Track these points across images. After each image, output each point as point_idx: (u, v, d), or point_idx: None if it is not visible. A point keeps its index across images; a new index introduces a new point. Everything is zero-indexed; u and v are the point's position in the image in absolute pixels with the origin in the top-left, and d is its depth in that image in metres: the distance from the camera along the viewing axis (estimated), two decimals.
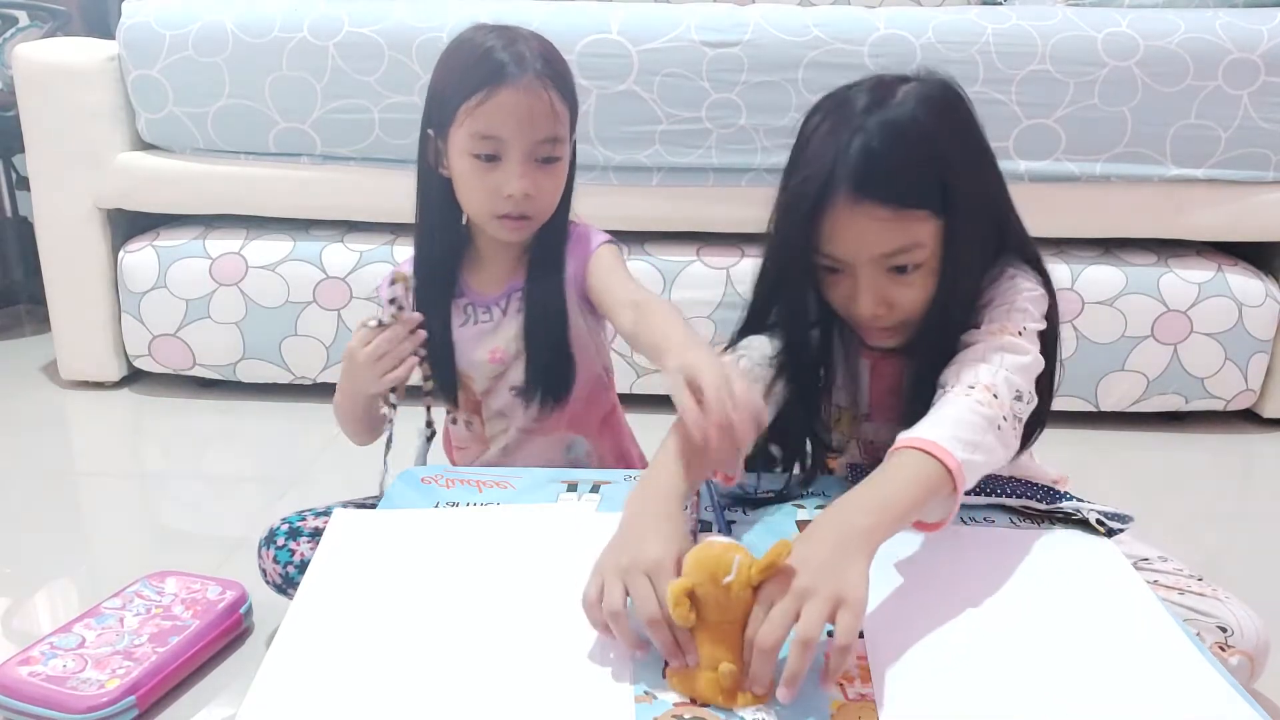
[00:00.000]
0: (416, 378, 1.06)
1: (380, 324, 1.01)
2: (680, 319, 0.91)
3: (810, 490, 0.95)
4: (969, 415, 0.78)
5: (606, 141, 1.72)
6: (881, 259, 0.83)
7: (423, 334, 1.03)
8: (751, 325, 0.96)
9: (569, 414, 1.10)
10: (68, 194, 1.86)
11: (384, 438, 1.05)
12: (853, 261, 0.84)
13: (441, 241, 1.08)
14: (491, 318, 1.08)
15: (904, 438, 0.77)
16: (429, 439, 1.12)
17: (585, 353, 1.09)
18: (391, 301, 1.01)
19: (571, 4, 1.78)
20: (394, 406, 1.03)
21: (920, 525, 0.78)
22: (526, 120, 0.97)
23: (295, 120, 1.78)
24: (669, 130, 1.73)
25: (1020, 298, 0.87)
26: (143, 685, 0.98)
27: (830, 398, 0.98)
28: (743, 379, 0.82)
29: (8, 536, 1.40)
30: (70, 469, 1.68)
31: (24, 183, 2.26)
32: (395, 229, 1.87)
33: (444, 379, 1.09)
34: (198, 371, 1.91)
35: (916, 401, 0.85)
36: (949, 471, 0.74)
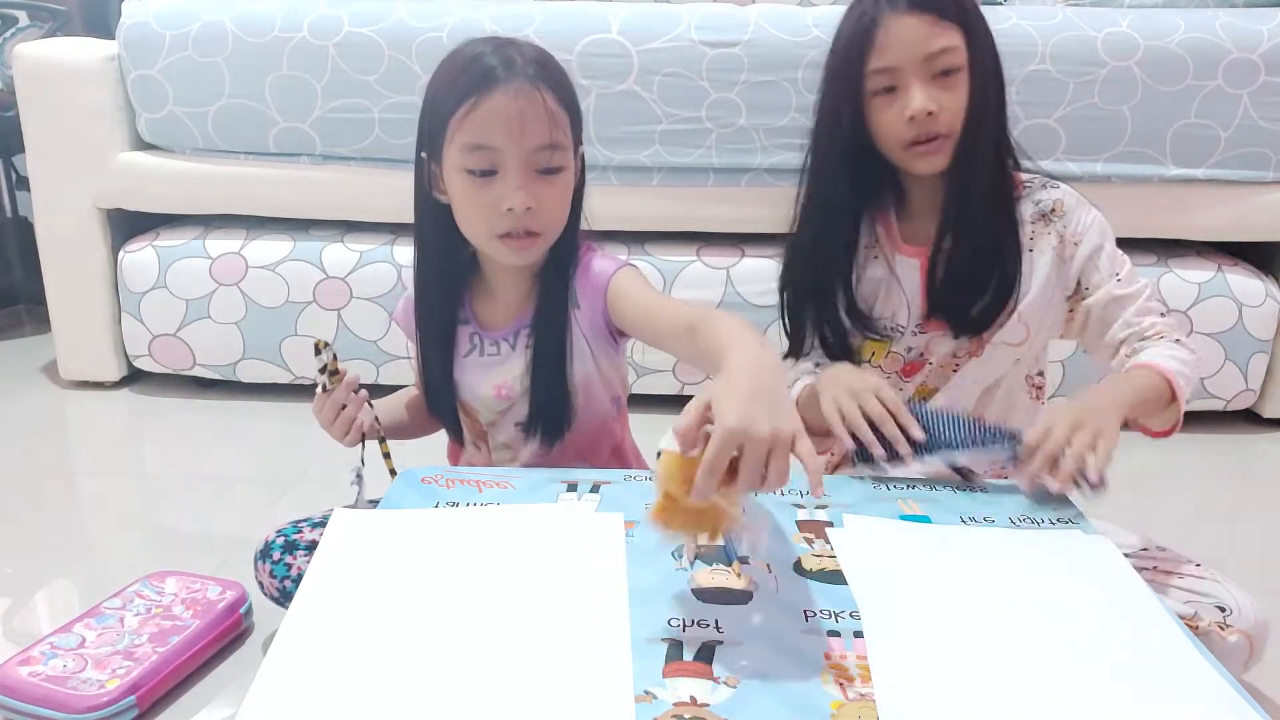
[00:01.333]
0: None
1: (324, 389, 0.99)
2: (737, 322, 0.81)
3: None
4: (1163, 347, 1.02)
5: (606, 141, 1.72)
6: (928, 60, 0.99)
7: (364, 393, 1.01)
8: (816, 201, 1.09)
9: (575, 447, 1.07)
10: (68, 194, 1.86)
11: (355, 489, 1.01)
12: (904, 66, 0.99)
13: (441, 271, 1.02)
14: (499, 351, 1.05)
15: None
16: (357, 482, 1.02)
17: (594, 390, 1.05)
18: (322, 370, 0.99)
19: (571, 4, 1.79)
20: (362, 460, 1.01)
21: (1151, 432, 1.04)
22: (519, 125, 0.90)
23: (295, 120, 1.78)
24: (669, 130, 1.73)
25: (1110, 243, 1.08)
26: (143, 685, 0.98)
27: (861, 315, 1.08)
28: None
29: (8, 536, 1.40)
30: (70, 469, 1.68)
31: (24, 183, 2.26)
32: (395, 229, 1.88)
33: (445, 413, 1.07)
34: (198, 371, 1.92)
35: (960, 228, 1.03)
36: (1167, 380, 0.98)
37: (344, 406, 1.00)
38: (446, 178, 0.96)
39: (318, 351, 0.99)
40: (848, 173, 1.06)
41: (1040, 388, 1.13)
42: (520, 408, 1.05)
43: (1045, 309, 1.07)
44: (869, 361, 1.11)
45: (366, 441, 1.02)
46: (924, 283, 1.07)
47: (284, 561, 1.05)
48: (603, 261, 1.02)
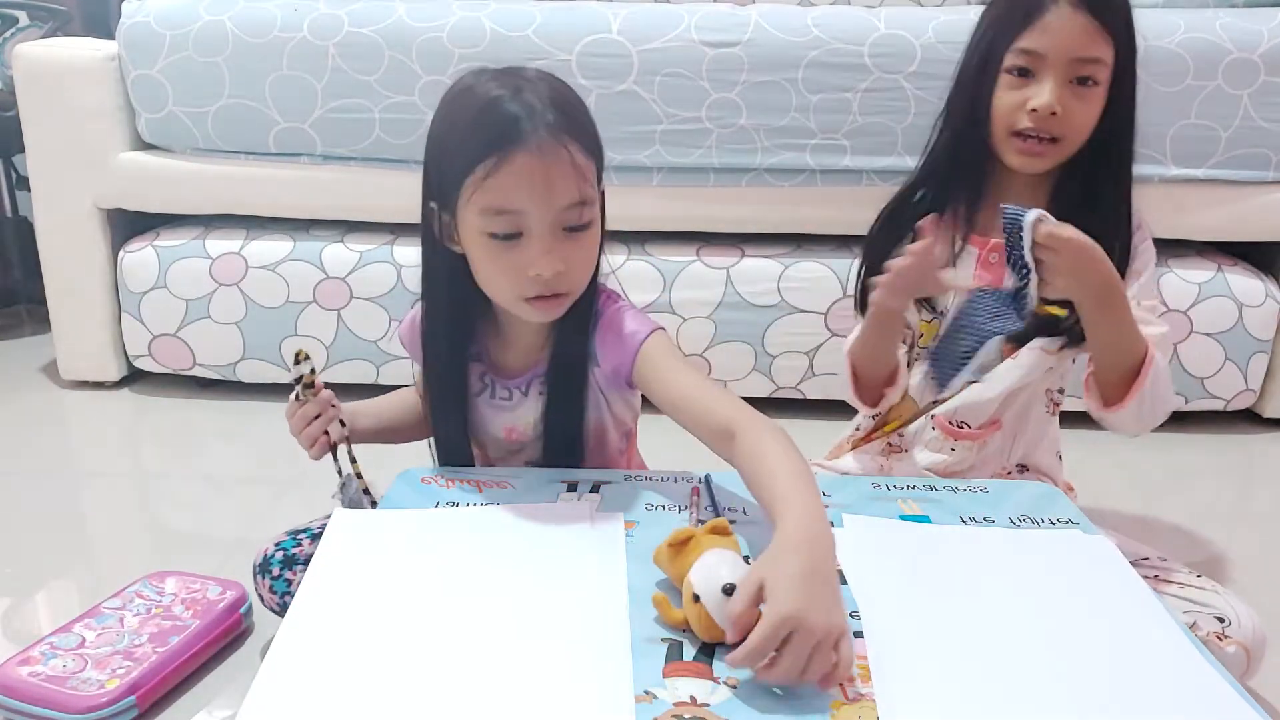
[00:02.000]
0: None
1: (298, 398, 0.99)
2: (788, 461, 0.78)
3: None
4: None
5: (606, 141, 1.69)
6: (1075, 63, 0.98)
7: (337, 409, 1.01)
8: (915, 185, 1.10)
9: None
10: (68, 194, 1.86)
11: (337, 497, 0.99)
12: (1051, 57, 0.98)
13: (453, 320, 0.97)
14: (510, 397, 1.00)
15: None
16: (347, 487, 0.99)
17: (606, 433, 1.02)
18: (298, 380, 0.98)
19: (571, 4, 1.78)
20: (340, 471, 1.00)
21: (1090, 396, 1.02)
22: (544, 187, 0.82)
23: (295, 120, 1.78)
24: (669, 130, 1.73)
25: (1149, 273, 1.06)
26: (143, 685, 0.98)
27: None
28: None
29: (8, 536, 1.40)
30: (70, 469, 1.68)
31: (24, 183, 2.26)
32: (395, 229, 1.88)
33: (456, 454, 1.02)
34: (198, 371, 1.92)
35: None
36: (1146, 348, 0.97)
37: (316, 418, 0.99)
38: (463, 235, 0.89)
39: (297, 360, 0.98)
40: (966, 144, 1.06)
41: (1058, 404, 1.13)
42: (530, 450, 1.03)
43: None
44: (919, 343, 1.13)
45: (338, 451, 1.01)
46: (978, 273, 1.08)
47: (284, 577, 1.04)
48: (634, 323, 0.95)
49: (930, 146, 1.10)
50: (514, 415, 1.01)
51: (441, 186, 0.88)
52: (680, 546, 0.74)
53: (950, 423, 1.10)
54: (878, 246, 1.11)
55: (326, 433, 1.00)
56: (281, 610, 1.05)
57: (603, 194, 0.92)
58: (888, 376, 1.10)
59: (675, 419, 0.91)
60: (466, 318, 0.96)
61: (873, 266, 1.11)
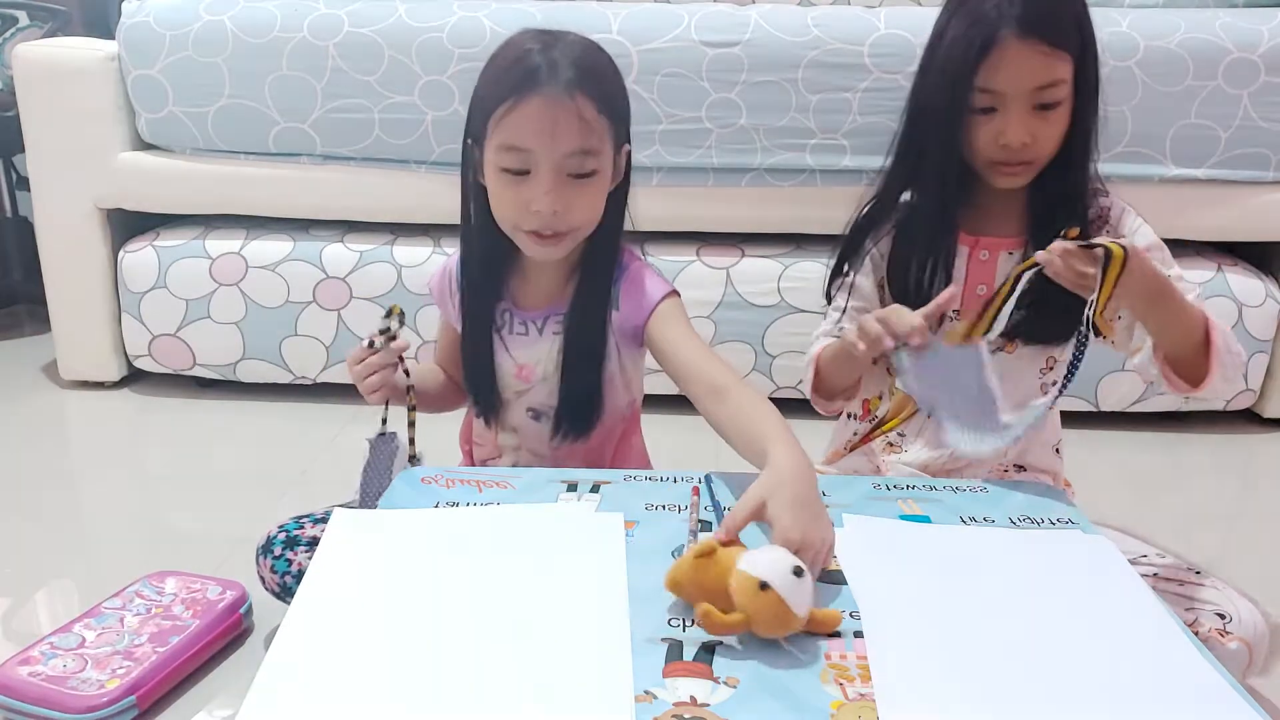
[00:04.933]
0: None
1: (371, 345, 1.01)
2: (774, 413, 0.90)
3: None
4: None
5: None
6: (1035, 92, 0.97)
7: (406, 363, 1.03)
8: (892, 188, 1.09)
9: (585, 449, 1.09)
10: (68, 194, 1.86)
11: (369, 440, 1.03)
12: (1010, 94, 0.97)
13: (483, 250, 1.04)
14: (526, 332, 1.06)
15: None
16: (383, 441, 1.03)
17: (614, 389, 1.07)
18: (384, 332, 1.00)
19: (571, 4, 1.79)
20: (383, 421, 1.02)
21: (1176, 377, 0.99)
22: (551, 131, 0.92)
23: (295, 120, 1.78)
24: (669, 130, 1.73)
25: (1164, 250, 1.09)
26: (143, 685, 0.98)
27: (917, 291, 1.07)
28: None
29: (8, 536, 1.40)
30: (70, 469, 1.68)
31: (24, 183, 2.26)
32: (395, 229, 1.88)
33: (482, 380, 1.08)
34: (198, 371, 1.92)
35: (1036, 232, 1.00)
36: (1204, 322, 0.96)
37: (379, 372, 1.02)
38: (486, 169, 0.98)
39: (389, 314, 1.01)
40: (938, 169, 1.05)
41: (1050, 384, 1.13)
42: (536, 393, 1.07)
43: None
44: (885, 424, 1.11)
45: (391, 406, 1.04)
46: (967, 278, 1.08)
47: (285, 557, 1.06)
48: (654, 282, 1.04)
49: (897, 150, 1.10)
50: (526, 351, 1.06)
51: (473, 123, 0.98)
52: (707, 557, 0.72)
53: None
54: (857, 245, 1.12)
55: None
56: (282, 591, 1.06)
57: (629, 154, 1.01)
58: (848, 390, 1.10)
59: (673, 376, 1.01)
60: (496, 245, 1.04)
61: (850, 264, 1.12)
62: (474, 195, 1.02)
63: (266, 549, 1.07)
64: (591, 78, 0.94)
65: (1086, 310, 0.90)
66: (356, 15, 1.74)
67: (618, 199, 1.02)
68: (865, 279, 1.12)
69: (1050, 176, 1.03)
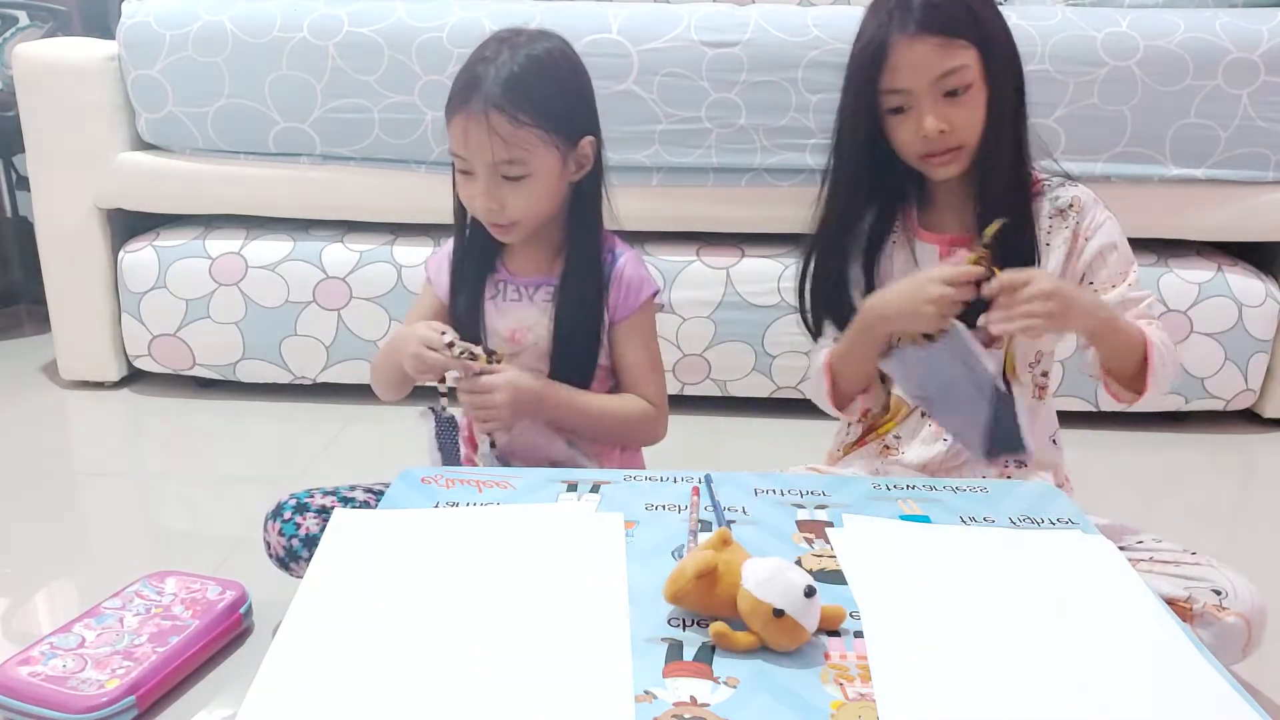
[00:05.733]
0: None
1: (451, 345, 1.02)
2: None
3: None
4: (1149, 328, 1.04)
5: (607, 141, 1.71)
6: (938, 81, 1.00)
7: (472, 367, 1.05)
8: (838, 198, 1.11)
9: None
10: (68, 194, 1.86)
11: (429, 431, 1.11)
12: (914, 89, 1.00)
13: (469, 226, 1.12)
14: (520, 298, 1.12)
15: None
16: (440, 416, 1.11)
17: (602, 369, 1.13)
18: (467, 354, 1.03)
19: (571, 4, 1.78)
20: (432, 408, 1.10)
21: (1117, 385, 1.05)
22: (474, 144, 1.01)
23: (295, 120, 1.78)
24: (669, 130, 1.73)
25: (1123, 245, 1.09)
26: (143, 685, 0.98)
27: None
28: None
29: (8, 536, 1.40)
30: (70, 469, 1.68)
31: (24, 183, 2.26)
32: (395, 229, 1.88)
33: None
34: (198, 371, 1.92)
35: (984, 226, 1.00)
36: (1144, 342, 1.00)
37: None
38: None
39: (491, 353, 1.05)
40: (868, 172, 1.08)
41: (1044, 388, 1.14)
42: (526, 357, 1.11)
43: None
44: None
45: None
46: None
47: (294, 521, 1.07)
48: (641, 280, 1.12)
49: (829, 184, 1.12)
50: (519, 315, 1.12)
51: None
52: (710, 578, 0.71)
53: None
54: (830, 259, 1.13)
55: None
56: (286, 557, 1.07)
57: (599, 147, 1.10)
58: (864, 384, 1.12)
59: (614, 368, 1.14)
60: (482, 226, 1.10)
61: (816, 299, 1.15)
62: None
63: (276, 513, 1.08)
64: (516, 92, 1.00)
65: (1000, 366, 0.98)
66: (356, 15, 1.74)
67: (588, 186, 1.10)
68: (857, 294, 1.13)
69: (986, 168, 1.05)
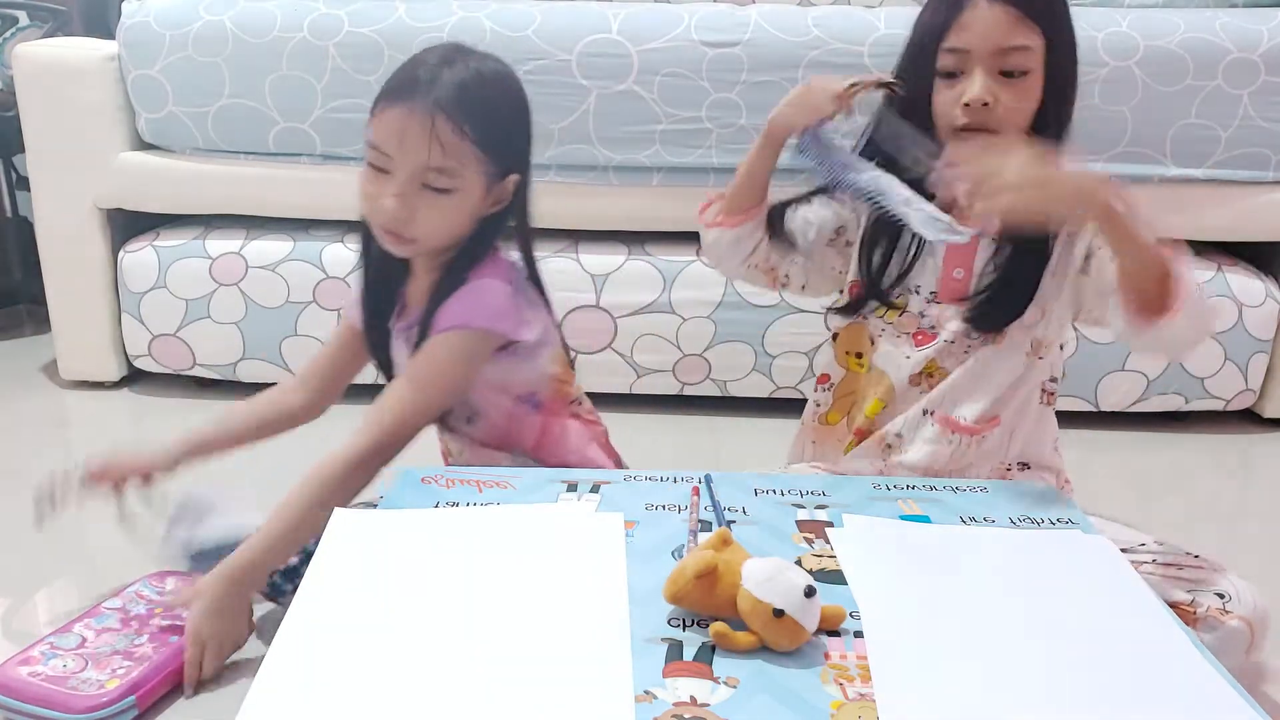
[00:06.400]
0: None
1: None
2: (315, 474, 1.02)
3: None
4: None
5: (606, 141, 1.72)
6: (1000, 55, 0.99)
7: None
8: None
9: (485, 439, 1.12)
10: (68, 194, 1.86)
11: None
12: (975, 51, 0.99)
13: (381, 254, 1.09)
14: (409, 338, 1.10)
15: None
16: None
17: (483, 393, 1.09)
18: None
19: (571, 4, 1.78)
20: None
21: (1140, 303, 0.91)
22: (404, 140, 0.96)
23: (295, 120, 1.78)
24: (669, 130, 1.73)
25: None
26: (143, 685, 0.98)
27: (907, 272, 1.11)
28: None
29: (8, 536, 1.40)
30: (70, 469, 1.67)
31: (24, 183, 2.26)
32: None
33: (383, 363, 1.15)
34: (198, 371, 1.92)
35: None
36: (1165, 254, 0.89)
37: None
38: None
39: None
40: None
41: (1052, 394, 1.13)
42: None
43: (1058, 290, 1.07)
44: (883, 319, 1.13)
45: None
46: (945, 258, 1.08)
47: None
48: (460, 311, 1.03)
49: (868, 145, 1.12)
50: (400, 354, 1.11)
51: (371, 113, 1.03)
52: (710, 578, 0.71)
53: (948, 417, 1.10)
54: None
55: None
56: (271, 592, 1.08)
57: (524, 195, 1.06)
58: (759, 195, 1.13)
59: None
60: (390, 256, 1.08)
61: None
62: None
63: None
64: (467, 104, 0.97)
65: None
66: (356, 15, 1.74)
67: (493, 223, 1.06)
68: (826, 211, 1.15)
69: None
